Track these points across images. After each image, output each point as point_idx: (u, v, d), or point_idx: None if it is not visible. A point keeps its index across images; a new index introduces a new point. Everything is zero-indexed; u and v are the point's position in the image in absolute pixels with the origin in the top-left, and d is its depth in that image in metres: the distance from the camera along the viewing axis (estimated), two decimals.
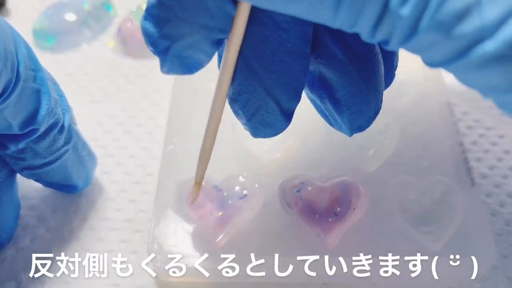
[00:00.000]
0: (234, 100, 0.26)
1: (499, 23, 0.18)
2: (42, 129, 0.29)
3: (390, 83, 0.28)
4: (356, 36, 0.21)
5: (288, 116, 0.26)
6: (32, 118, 0.28)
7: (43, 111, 0.28)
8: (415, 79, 0.40)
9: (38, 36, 0.45)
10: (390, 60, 0.28)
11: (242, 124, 0.27)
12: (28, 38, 0.44)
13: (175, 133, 0.37)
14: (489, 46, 0.19)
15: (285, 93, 0.25)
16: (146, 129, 0.40)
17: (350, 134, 0.28)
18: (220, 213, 0.32)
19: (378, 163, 0.35)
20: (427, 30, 0.19)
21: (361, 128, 0.27)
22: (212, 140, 0.28)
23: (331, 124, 0.29)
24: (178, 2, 0.22)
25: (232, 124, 0.37)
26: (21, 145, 0.29)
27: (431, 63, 0.21)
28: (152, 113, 0.41)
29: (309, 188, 0.32)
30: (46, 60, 0.34)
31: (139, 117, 0.40)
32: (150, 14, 0.23)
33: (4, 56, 0.25)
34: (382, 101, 0.27)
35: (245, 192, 0.33)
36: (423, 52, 0.20)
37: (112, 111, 0.41)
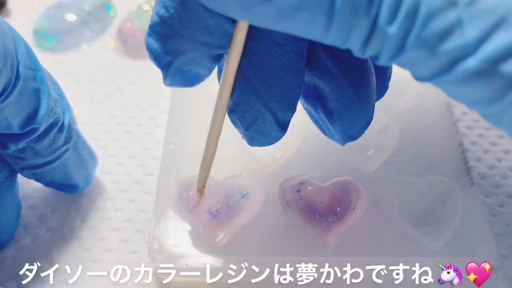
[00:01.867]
0: (232, 111, 0.27)
1: (480, 41, 0.20)
2: (42, 128, 0.29)
3: (383, 94, 0.30)
4: (349, 51, 0.23)
5: (283, 126, 0.28)
6: (32, 117, 0.28)
7: (43, 110, 0.28)
8: (415, 79, 0.40)
9: (38, 36, 0.45)
10: (383, 72, 0.29)
11: (239, 133, 0.29)
12: (29, 38, 0.45)
13: (175, 133, 0.37)
14: (471, 62, 0.20)
15: (280, 105, 0.27)
16: (146, 129, 0.40)
17: (343, 143, 0.29)
18: (220, 213, 0.32)
19: (378, 163, 0.35)
20: (413, 48, 0.20)
21: (352, 138, 0.29)
22: (213, 149, 0.29)
23: (324, 133, 0.30)
24: (179, 20, 0.24)
25: (232, 124, 0.37)
26: (21, 145, 0.29)
27: (419, 78, 0.22)
28: (152, 113, 0.41)
29: (309, 188, 0.32)
30: (47, 60, 0.34)
31: (139, 117, 0.40)
32: (154, 31, 0.24)
33: (4, 56, 0.25)
34: (373, 112, 0.28)
35: (245, 192, 0.33)
36: (411, 67, 0.22)
37: (113, 111, 0.41)
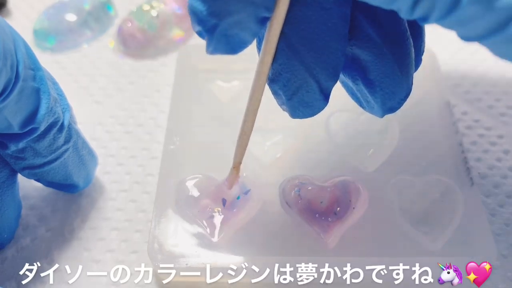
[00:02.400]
0: (273, 81, 0.27)
1: None
2: (42, 128, 0.29)
3: (418, 67, 0.29)
4: (390, 19, 0.22)
5: (326, 96, 0.27)
6: (32, 117, 0.28)
7: (42, 110, 0.28)
8: (415, 79, 0.40)
9: (38, 36, 0.45)
10: (418, 45, 0.28)
11: (279, 104, 0.28)
12: (29, 38, 0.45)
13: (175, 133, 0.37)
14: None
15: (325, 72, 0.26)
16: (146, 129, 0.40)
17: (382, 115, 0.29)
18: (220, 213, 0.32)
19: (378, 163, 0.35)
20: (469, 3, 0.19)
21: (392, 109, 0.28)
22: (251, 122, 0.28)
23: (362, 106, 0.29)
24: None
25: (232, 124, 0.37)
26: (21, 145, 0.29)
27: (467, 38, 0.21)
28: (152, 113, 0.41)
29: (309, 188, 0.33)
30: (47, 60, 0.34)
31: (140, 117, 0.40)
32: None
33: (3, 55, 0.25)
34: (412, 84, 0.28)
35: (245, 192, 0.33)
36: (461, 26, 0.21)
37: (113, 111, 0.41)
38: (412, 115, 0.38)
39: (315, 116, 0.33)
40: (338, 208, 0.32)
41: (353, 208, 0.32)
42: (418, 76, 0.40)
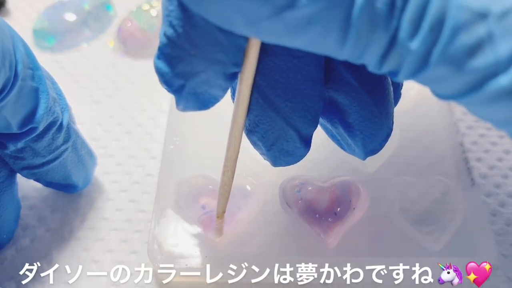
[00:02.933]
0: (251, 132, 0.26)
1: None
2: (40, 128, 0.29)
3: (397, 102, 0.29)
4: None
5: (307, 142, 0.26)
6: (30, 116, 0.28)
7: (41, 110, 0.28)
8: None
9: (38, 36, 0.45)
10: (397, 82, 0.28)
11: (261, 154, 0.27)
12: (28, 38, 0.45)
13: (175, 133, 0.37)
14: (504, 80, 0.18)
15: (303, 120, 0.25)
16: (146, 129, 0.40)
17: (364, 158, 0.28)
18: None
19: (378, 163, 0.35)
20: (437, 64, 0.19)
21: (374, 151, 0.27)
22: (231, 173, 0.28)
23: (343, 148, 0.29)
24: (189, 40, 0.22)
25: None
26: (20, 144, 0.29)
27: (442, 96, 0.21)
28: (152, 113, 0.41)
29: (309, 188, 0.32)
30: (46, 60, 0.34)
31: (139, 117, 0.40)
32: (163, 53, 0.23)
33: (2, 55, 0.25)
34: (393, 123, 0.27)
35: (245, 192, 0.33)
36: (434, 85, 0.20)
37: (112, 111, 0.41)
38: (413, 115, 0.38)
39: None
40: (338, 208, 0.32)
41: (353, 208, 0.32)
42: None
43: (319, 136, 0.37)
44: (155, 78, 0.43)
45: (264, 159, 0.28)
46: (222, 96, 0.25)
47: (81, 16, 0.46)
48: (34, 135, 0.29)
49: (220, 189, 0.29)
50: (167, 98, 0.40)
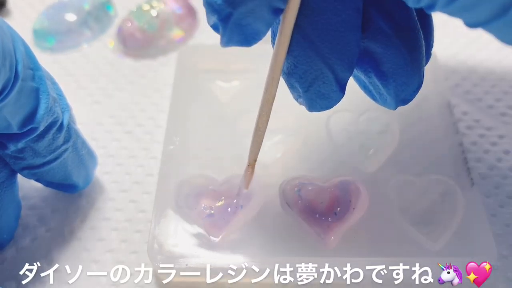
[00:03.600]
0: (289, 74, 0.27)
1: None
2: (41, 128, 0.29)
3: (428, 61, 0.29)
4: (401, 11, 0.22)
5: (342, 87, 0.27)
6: (31, 116, 0.28)
7: (42, 110, 0.28)
8: None
9: (38, 36, 0.45)
10: (428, 40, 0.29)
11: (295, 98, 0.28)
12: (28, 38, 0.45)
13: (175, 133, 0.37)
14: None
15: (340, 63, 0.26)
16: (146, 129, 0.40)
17: (395, 107, 0.29)
18: (220, 213, 0.32)
19: (378, 163, 0.35)
20: None
21: (405, 101, 0.28)
22: (266, 117, 0.28)
23: (374, 99, 0.30)
24: None
25: (232, 124, 0.37)
26: (20, 145, 0.29)
27: (473, 24, 0.21)
28: (152, 113, 0.41)
29: (309, 188, 0.33)
30: (46, 60, 0.34)
31: (139, 117, 0.40)
32: None
33: (2, 55, 0.25)
34: (424, 75, 0.28)
35: (245, 192, 0.33)
36: (466, 13, 0.21)
37: (112, 111, 0.41)
38: (413, 115, 0.38)
39: (315, 116, 0.33)
40: (338, 208, 0.32)
41: (353, 208, 0.32)
42: None
43: (319, 135, 0.37)
44: (155, 78, 0.44)
45: (299, 103, 0.28)
46: (264, 33, 0.25)
47: (81, 16, 0.46)
48: (34, 135, 0.29)
49: (254, 135, 0.29)
50: (167, 98, 0.40)
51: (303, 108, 0.29)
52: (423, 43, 0.28)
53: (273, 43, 0.28)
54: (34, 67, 0.28)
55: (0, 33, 0.25)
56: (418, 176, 0.34)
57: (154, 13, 0.45)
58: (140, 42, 0.45)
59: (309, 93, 0.27)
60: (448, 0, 0.21)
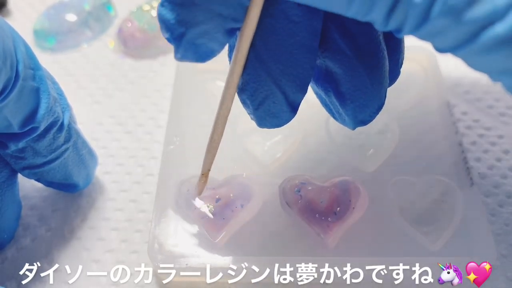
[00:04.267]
0: (242, 90, 0.27)
1: (510, 5, 0.19)
2: (41, 128, 0.29)
3: (395, 80, 0.29)
4: (364, 32, 0.22)
5: (294, 108, 0.27)
6: (31, 116, 0.28)
7: (42, 110, 0.28)
8: (415, 80, 0.40)
9: (38, 36, 0.45)
10: (396, 58, 0.29)
11: (248, 114, 0.28)
12: (29, 38, 0.45)
13: (175, 133, 0.37)
14: (499, 28, 0.19)
15: (292, 85, 0.26)
16: (146, 129, 0.40)
17: (353, 128, 0.29)
18: (220, 213, 0.32)
19: (377, 163, 0.35)
20: (438, 16, 0.20)
21: (364, 122, 0.28)
22: (221, 130, 0.28)
23: (334, 117, 0.29)
24: None
25: (232, 124, 0.37)
26: (21, 144, 0.29)
27: (442, 49, 0.21)
28: (152, 113, 0.41)
29: (309, 188, 0.33)
30: (47, 61, 0.34)
31: (140, 117, 0.40)
32: (167, 0, 0.24)
33: (3, 55, 0.25)
34: (385, 96, 0.28)
35: (245, 192, 0.33)
36: (434, 38, 0.21)
37: (113, 111, 0.41)
38: (412, 115, 0.38)
39: (315, 116, 0.33)
40: (338, 208, 0.32)
41: (353, 208, 0.32)
42: (418, 77, 0.40)
43: (319, 135, 0.37)
44: (155, 78, 0.44)
45: (251, 119, 0.28)
46: (218, 51, 0.25)
47: (81, 17, 0.46)
48: (35, 135, 0.29)
49: (208, 146, 0.29)
50: (167, 98, 0.40)
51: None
52: (386, 63, 0.27)
53: (230, 57, 0.27)
54: (34, 67, 0.28)
55: (1, 33, 0.25)
56: (417, 176, 0.34)
57: (154, 13, 0.45)
58: (140, 42, 0.45)
59: (259, 111, 0.27)
60: (415, 25, 0.21)
